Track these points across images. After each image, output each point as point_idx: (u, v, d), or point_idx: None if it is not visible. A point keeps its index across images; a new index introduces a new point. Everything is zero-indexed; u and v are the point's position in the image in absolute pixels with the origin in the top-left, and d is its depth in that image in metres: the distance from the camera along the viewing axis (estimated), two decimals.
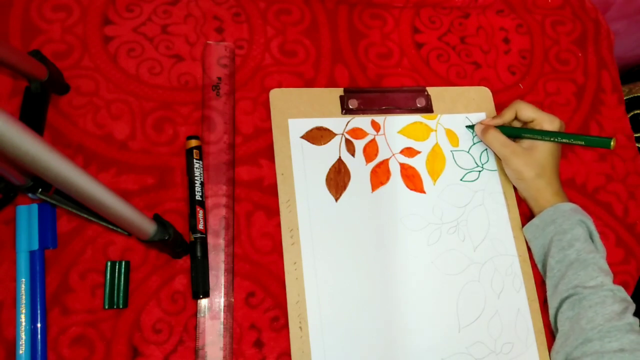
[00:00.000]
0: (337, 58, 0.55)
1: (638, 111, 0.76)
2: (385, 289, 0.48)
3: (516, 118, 0.53)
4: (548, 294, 0.49)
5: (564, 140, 0.49)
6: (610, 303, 0.44)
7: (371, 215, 0.50)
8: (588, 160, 0.59)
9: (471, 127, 0.56)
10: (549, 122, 0.50)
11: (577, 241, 0.47)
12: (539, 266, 0.52)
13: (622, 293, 0.46)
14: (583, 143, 0.48)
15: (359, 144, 0.52)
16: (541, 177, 0.50)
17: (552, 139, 0.49)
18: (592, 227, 0.49)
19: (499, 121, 0.52)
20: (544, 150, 0.50)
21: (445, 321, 0.49)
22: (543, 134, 0.49)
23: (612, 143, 0.46)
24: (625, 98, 0.76)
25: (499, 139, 0.51)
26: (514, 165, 0.50)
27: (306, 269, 0.47)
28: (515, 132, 0.52)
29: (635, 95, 0.77)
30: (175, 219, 0.45)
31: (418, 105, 0.55)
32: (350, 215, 0.49)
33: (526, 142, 0.51)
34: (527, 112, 0.51)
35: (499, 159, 0.55)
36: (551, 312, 0.49)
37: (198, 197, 0.45)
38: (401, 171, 0.52)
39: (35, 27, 0.48)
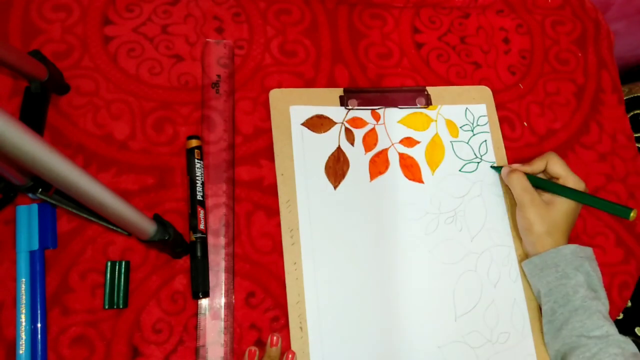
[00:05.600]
0: (337, 58, 0.55)
1: (638, 111, 0.76)
2: (383, 278, 0.48)
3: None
4: (548, 335, 0.49)
5: (585, 201, 0.48)
6: None
7: (369, 204, 0.50)
8: (588, 160, 0.59)
9: (496, 168, 0.54)
10: (574, 184, 0.49)
11: (581, 287, 0.46)
12: (537, 299, 0.51)
13: (629, 346, 0.45)
14: (603, 208, 0.48)
15: (359, 133, 0.52)
16: (551, 235, 0.49)
17: (573, 197, 0.48)
18: (589, 269, 0.48)
19: (527, 169, 0.51)
20: (561, 209, 0.49)
21: (442, 310, 0.49)
22: (565, 191, 0.48)
23: (632, 214, 0.45)
24: (625, 98, 0.76)
25: (522, 182, 0.50)
26: (528, 214, 0.49)
27: (306, 269, 0.47)
28: (540, 184, 0.50)
29: (635, 95, 0.77)
30: (175, 219, 0.45)
31: (418, 105, 0.55)
32: (349, 204, 0.49)
33: (546, 196, 0.50)
34: (557, 167, 0.50)
35: (508, 191, 0.54)
36: (551, 353, 0.49)
37: (199, 197, 0.45)
38: (400, 161, 0.52)
39: (35, 27, 0.48)
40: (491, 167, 0.55)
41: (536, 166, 0.51)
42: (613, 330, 0.45)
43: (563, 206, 0.49)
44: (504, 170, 0.53)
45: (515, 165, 0.52)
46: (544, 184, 0.50)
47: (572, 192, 0.48)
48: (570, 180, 0.49)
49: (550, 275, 0.48)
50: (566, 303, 0.47)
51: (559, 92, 0.62)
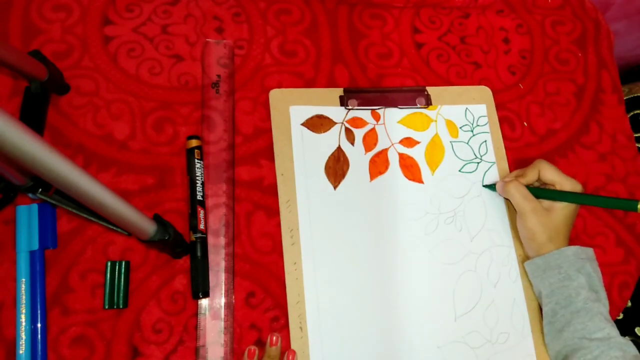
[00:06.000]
0: (337, 58, 0.55)
1: (638, 111, 0.76)
2: (383, 278, 0.48)
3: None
4: (548, 336, 0.48)
5: (591, 203, 0.47)
6: None
7: (369, 204, 0.50)
8: (588, 160, 0.59)
9: (489, 186, 0.53)
10: (571, 187, 0.48)
11: (583, 289, 0.46)
12: (538, 299, 0.51)
13: (631, 349, 0.44)
14: (609, 206, 0.47)
15: (359, 133, 0.52)
16: (553, 241, 0.48)
17: (578, 201, 0.48)
18: (591, 270, 0.48)
19: (522, 180, 0.50)
20: (562, 214, 0.48)
21: (442, 310, 0.49)
22: (569, 196, 0.48)
23: (639, 206, 0.44)
24: (625, 98, 0.76)
25: (521, 191, 0.49)
26: (530, 223, 0.48)
27: (306, 269, 0.47)
28: (540, 194, 0.49)
29: (635, 95, 0.77)
30: (175, 219, 0.45)
31: (418, 105, 0.55)
32: (349, 204, 0.50)
33: (545, 202, 0.49)
34: (549, 174, 0.49)
35: (509, 204, 0.53)
36: (552, 354, 0.49)
37: (199, 197, 0.45)
38: (400, 161, 0.53)
39: (35, 27, 0.48)
40: (484, 186, 0.54)
41: (530, 176, 0.50)
42: (614, 332, 0.45)
43: (563, 211, 0.48)
44: (499, 184, 0.52)
45: (509, 177, 0.52)
46: (544, 193, 0.49)
47: (577, 197, 0.48)
48: (567, 184, 0.48)
49: (552, 276, 0.48)
50: (568, 305, 0.47)
51: (559, 92, 0.62)
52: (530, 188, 0.50)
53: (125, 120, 0.48)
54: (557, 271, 0.48)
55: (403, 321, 0.47)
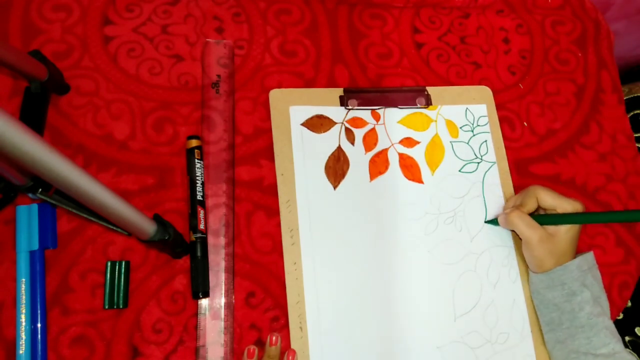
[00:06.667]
0: (337, 58, 0.55)
1: (638, 111, 0.76)
2: (383, 278, 0.48)
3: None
4: (549, 344, 0.48)
5: (594, 220, 0.46)
6: None
7: (369, 204, 0.50)
8: (588, 160, 0.59)
9: (491, 221, 0.52)
10: (572, 208, 0.46)
11: (587, 304, 0.46)
12: (536, 306, 0.50)
13: None
14: (615, 221, 0.47)
15: (359, 133, 0.52)
16: (559, 263, 0.47)
17: (583, 221, 0.47)
18: (592, 279, 0.47)
19: (523, 210, 0.49)
20: (566, 237, 0.47)
21: (442, 310, 0.49)
22: (572, 218, 0.46)
23: None
24: (625, 98, 0.76)
25: (524, 219, 0.47)
26: (537, 252, 0.47)
27: (306, 269, 0.47)
28: (545, 221, 0.48)
29: (635, 95, 0.77)
30: (175, 219, 0.45)
31: (418, 105, 0.55)
32: (349, 204, 0.50)
33: (549, 227, 0.47)
34: (548, 199, 0.47)
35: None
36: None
37: (199, 197, 0.45)
38: (400, 161, 0.53)
39: (35, 27, 0.48)
40: (486, 222, 0.53)
41: (529, 205, 0.48)
42: (619, 347, 0.45)
43: (568, 234, 0.47)
44: (501, 217, 0.50)
45: (508, 208, 0.50)
46: (548, 219, 0.48)
47: (582, 217, 0.47)
48: (568, 206, 0.47)
49: (556, 291, 0.47)
50: (572, 318, 0.46)
51: (559, 92, 0.62)
52: (533, 215, 0.48)
53: (125, 120, 0.48)
54: (560, 287, 0.47)
55: (403, 321, 0.48)
